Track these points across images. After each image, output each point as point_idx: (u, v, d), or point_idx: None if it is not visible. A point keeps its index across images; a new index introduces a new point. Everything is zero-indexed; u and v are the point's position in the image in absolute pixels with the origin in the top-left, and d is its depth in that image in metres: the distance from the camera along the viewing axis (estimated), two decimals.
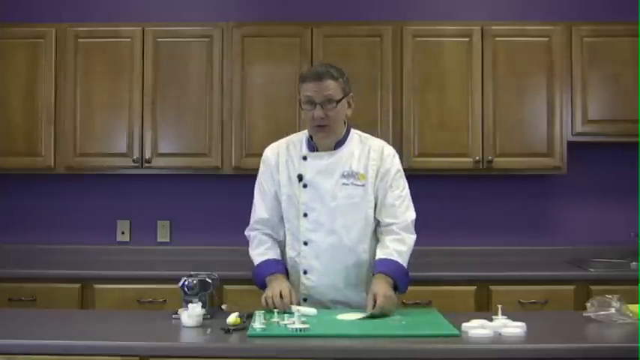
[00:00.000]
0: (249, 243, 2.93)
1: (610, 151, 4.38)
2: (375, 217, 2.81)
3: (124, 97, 4.17)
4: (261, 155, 4.08)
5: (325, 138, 2.78)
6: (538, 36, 4.16)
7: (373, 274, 2.70)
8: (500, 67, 4.14)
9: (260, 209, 2.88)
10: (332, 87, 2.71)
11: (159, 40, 4.18)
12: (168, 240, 4.49)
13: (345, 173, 2.77)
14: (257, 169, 4.12)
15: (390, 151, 2.86)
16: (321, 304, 2.76)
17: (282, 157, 2.86)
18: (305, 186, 2.79)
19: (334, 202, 2.76)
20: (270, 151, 2.91)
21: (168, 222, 4.49)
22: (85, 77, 4.18)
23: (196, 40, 4.20)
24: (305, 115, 2.77)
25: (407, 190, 2.85)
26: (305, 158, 2.82)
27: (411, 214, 2.82)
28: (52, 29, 4.20)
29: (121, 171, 4.26)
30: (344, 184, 2.77)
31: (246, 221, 4.37)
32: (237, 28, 4.19)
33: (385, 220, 2.79)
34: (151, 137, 4.17)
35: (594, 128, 4.16)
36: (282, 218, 2.86)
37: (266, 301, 2.64)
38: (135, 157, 4.16)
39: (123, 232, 4.49)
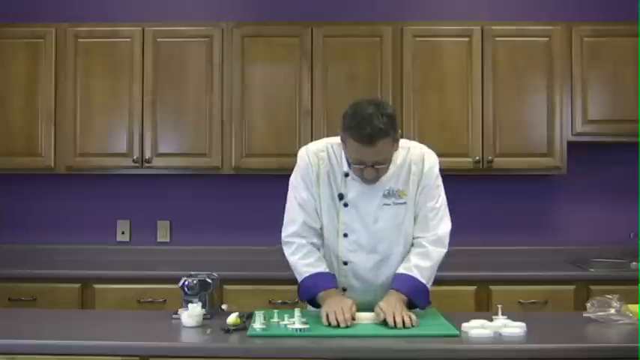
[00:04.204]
0: (290, 249, 2.69)
1: (610, 151, 4.38)
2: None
3: (124, 97, 4.17)
4: (260, 155, 4.17)
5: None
6: (538, 36, 4.15)
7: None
8: (500, 67, 4.14)
9: (303, 216, 2.67)
10: (385, 148, 2.47)
11: (159, 40, 4.18)
12: (168, 240, 4.49)
13: (386, 192, 2.61)
14: (257, 169, 4.19)
15: (430, 163, 2.67)
16: None
17: (323, 168, 2.65)
18: (346, 205, 2.63)
19: (375, 225, 2.63)
20: (311, 157, 2.67)
21: (168, 222, 4.49)
22: (85, 77, 4.18)
23: (196, 40, 4.20)
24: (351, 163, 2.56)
25: (442, 200, 2.68)
26: (347, 175, 2.63)
27: (445, 227, 2.67)
28: (52, 29, 4.20)
29: (121, 171, 4.26)
30: (385, 204, 2.62)
31: (245, 221, 4.45)
32: (237, 28, 4.19)
33: (416, 233, 2.67)
34: (151, 137, 4.17)
35: (594, 128, 4.16)
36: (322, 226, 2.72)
37: (327, 318, 2.44)
38: (135, 157, 4.15)
39: (123, 232, 4.49)
